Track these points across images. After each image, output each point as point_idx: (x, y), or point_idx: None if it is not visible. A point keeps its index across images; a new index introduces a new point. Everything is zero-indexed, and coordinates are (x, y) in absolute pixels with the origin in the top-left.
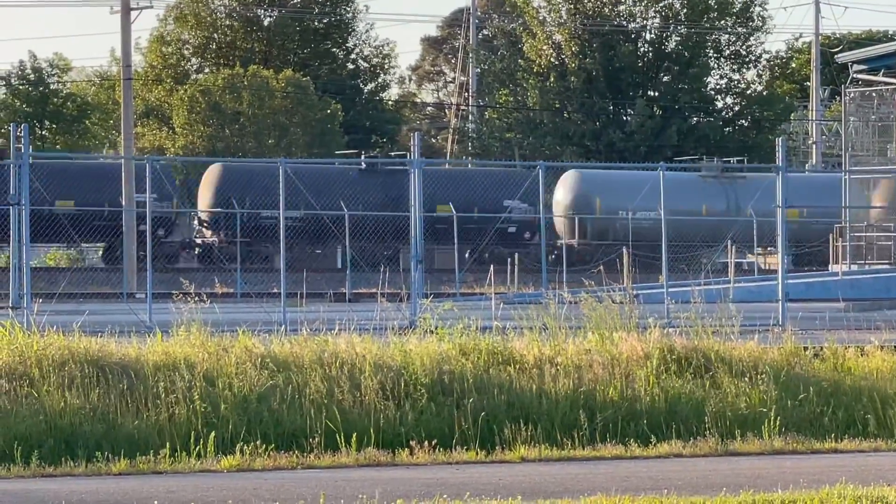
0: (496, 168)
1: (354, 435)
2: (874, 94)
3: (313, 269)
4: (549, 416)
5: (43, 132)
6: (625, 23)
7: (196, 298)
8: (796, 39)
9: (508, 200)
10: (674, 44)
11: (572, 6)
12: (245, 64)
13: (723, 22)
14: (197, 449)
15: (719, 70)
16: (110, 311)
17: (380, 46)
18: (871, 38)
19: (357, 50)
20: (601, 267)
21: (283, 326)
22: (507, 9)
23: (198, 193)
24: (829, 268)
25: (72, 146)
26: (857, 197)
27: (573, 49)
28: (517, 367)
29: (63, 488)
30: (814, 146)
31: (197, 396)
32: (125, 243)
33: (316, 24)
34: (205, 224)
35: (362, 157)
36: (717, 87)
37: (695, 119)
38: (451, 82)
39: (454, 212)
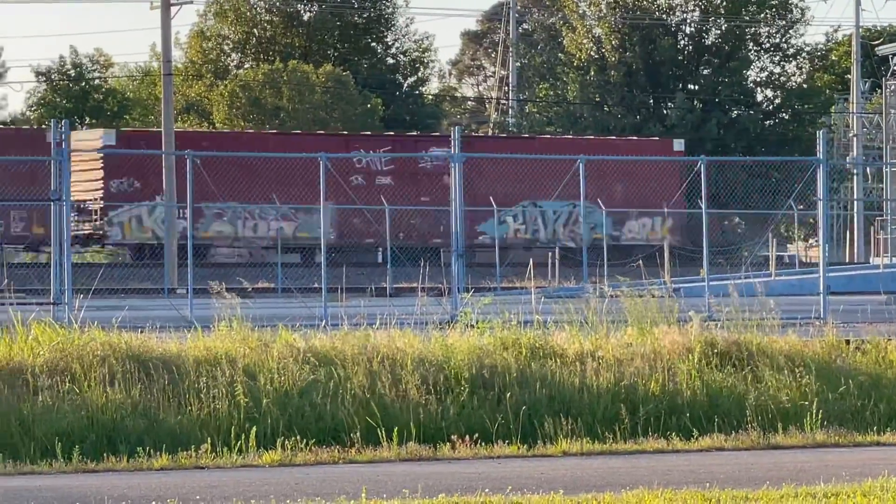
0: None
1: (396, 430)
2: None
3: (353, 264)
4: (590, 409)
5: (83, 128)
6: (664, 16)
7: (237, 294)
8: (835, 31)
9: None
10: (713, 37)
11: (612, 0)
12: (285, 59)
13: (762, 15)
14: (238, 444)
15: (759, 63)
16: (151, 307)
17: (419, 41)
18: None
19: (397, 44)
20: (640, 261)
21: (324, 321)
22: (547, 3)
23: None
24: (871, 260)
25: None
26: None
27: (613, 43)
28: (558, 361)
29: (105, 483)
30: (854, 139)
31: (238, 391)
32: (166, 238)
33: (356, 18)
34: None
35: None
36: (757, 80)
37: (735, 112)
38: (491, 76)
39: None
